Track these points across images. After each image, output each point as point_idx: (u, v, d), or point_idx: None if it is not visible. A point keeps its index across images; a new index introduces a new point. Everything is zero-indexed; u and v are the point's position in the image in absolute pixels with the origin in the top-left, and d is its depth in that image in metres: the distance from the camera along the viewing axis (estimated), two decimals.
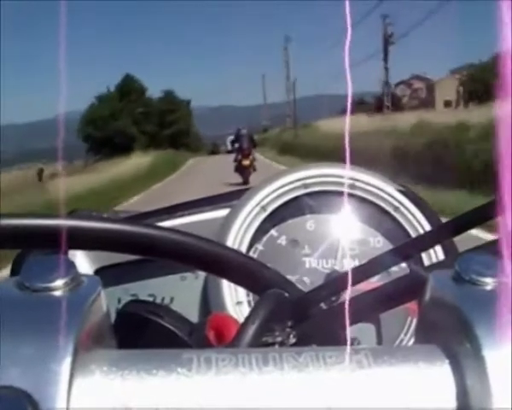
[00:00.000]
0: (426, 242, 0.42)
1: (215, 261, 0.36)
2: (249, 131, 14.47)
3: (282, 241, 0.66)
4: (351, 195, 0.66)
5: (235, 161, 13.87)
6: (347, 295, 0.30)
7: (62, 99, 0.27)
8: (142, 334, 0.40)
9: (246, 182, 12.76)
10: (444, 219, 0.47)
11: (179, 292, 0.67)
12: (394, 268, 0.55)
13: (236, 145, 13.96)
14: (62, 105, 0.27)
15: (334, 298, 0.45)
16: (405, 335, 0.62)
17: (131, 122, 49.03)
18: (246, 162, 13.40)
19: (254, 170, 13.42)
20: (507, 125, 0.23)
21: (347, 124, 0.26)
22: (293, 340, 0.34)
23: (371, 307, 0.36)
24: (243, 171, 13.34)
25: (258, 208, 0.65)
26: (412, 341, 0.60)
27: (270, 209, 0.65)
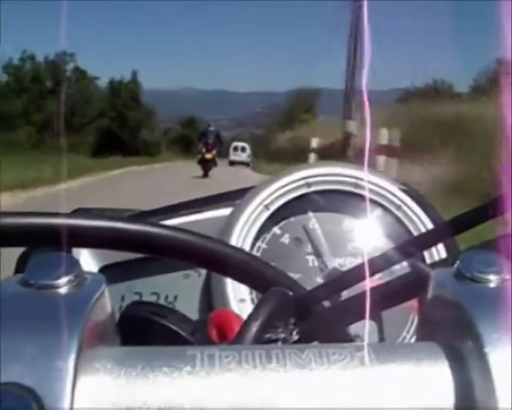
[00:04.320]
0: (428, 240, 0.42)
1: (218, 260, 0.37)
2: (217, 129, 15.95)
3: (285, 239, 0.66)
4: (353, 193, 0.66)
5: (200, 153, 14.99)
6: (349, 292, 0.31)
7: None
8: (145, 335, 0.40)
9: (205, 174, 14.30)
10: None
11: (183, 290, 0.67)
12: (396, 266, 0.55)
13: (203, 139, 15.13)
14: None
15: (336, 296, 0.45)
16: (408, 333, 0.62)
17: None
18: (208, 156, 14.61)
19: (215, 165, 14.87)
20: (508, 126, 0.23)
21: (368, 127, 0.26)
22: (295, 337, 0.35)
23: (373, 305, 0.36)
24: (205, 164, 14.58)
25: (261, 207, 0.65)
26: (414, 339, 0.60)
27: (273, 208, 0.65)
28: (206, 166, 14.55)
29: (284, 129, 32.32)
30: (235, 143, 30.19)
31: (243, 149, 30.70)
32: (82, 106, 34.12)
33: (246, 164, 27.70)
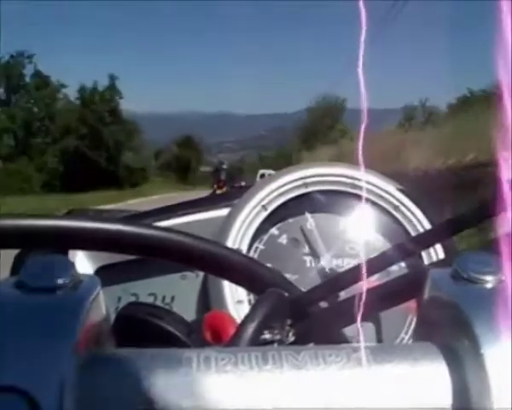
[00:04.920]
0: (426, 240, 0.42)
1: (214, 261, 0.36)
2: (229, 167, 19.07)
3: (283, 240, 0.66)
4: (351, 194, 0.66)
5: (212, 186, 17.22)
6: (346, 293, 0.30)
7: None
8: (141, 336, 0.40)
9: None
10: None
11: (180, 291, 0.67)
12: (394, 267, 0.55)
13: (216, 176, 17.41)
14: None
15: (333, 297, 0.45)
16: (406, 334, 0.62)
17: None
18: (219, 191, 16.92)
19: None
20: (507, 126, 0.23)
21: (362, 127, 0.26)
22: (292, 338, 0.35)
23: (370, 306, 0.36)
24: None
25: (258, 208, 0.65)
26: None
27: (270, 208, 0.65)
28: None
29: (310, 145, 26.90)
30: (261, 171, 29.66)
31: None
32: (44, 121, 26.23)
33: None
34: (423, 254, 0.62)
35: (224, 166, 18.07)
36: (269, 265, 0.51)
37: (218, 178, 17.23)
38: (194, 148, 39.06)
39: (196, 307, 0.66)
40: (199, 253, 0.36)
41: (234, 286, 0.59)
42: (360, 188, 0.65)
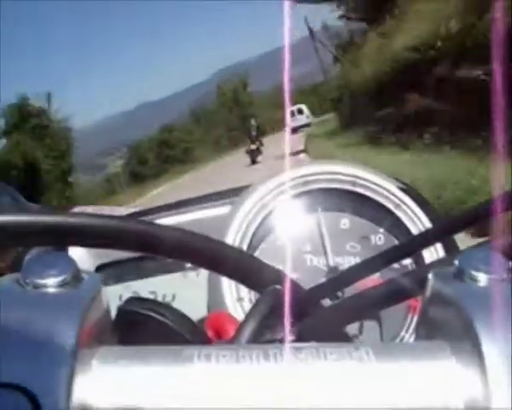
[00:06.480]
0: (427, 239, 0.42)
1: (215, 259, 0.36)
2: (258, 122, 19.92)
3: (284, 238, 0.66)
4: (352, 192, 0.66)
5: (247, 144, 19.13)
6: (348, 291, 0.30)
7: None
8: (142, 331, 0.40)
9: (253, 161, 17.77)
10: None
11: (181, 289, 0.67)
12: (395, 265, 0.55)
13: (247, 133, 18.94)
14: None
15: (335, 295, 0.45)
16: (406, 332, 0.62)
17: None
18: (253, 146, 18.36)
19: (260, 153, 18.17)
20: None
21: (287, 128, 0.26)
22: (293, 337, 0.34)
23: (372, 305, 0.36)
24: (251, 153, 18.36)
25: (259, 206, 0.65)
26: (413, 338, 0.60)
27: (270, 206, 0.65)
28: (252, 154, 18.09)
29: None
30: (295, 107, 27.08)
31: (300, 111, 27.69)
32: None
33: (308, 126, 26.24)
34: (424, 252, 0.62)
35: (253, 123, 19.16)
36: (270, 263, 0.51)
37: (249, 134, 18.57)
38: (39, 124, 19.48)
39: (197, 306, 0.66)
40: (200, 250, 0.36)
41: (235, 284, 0.59)
42: (362, 186, 0.65)
